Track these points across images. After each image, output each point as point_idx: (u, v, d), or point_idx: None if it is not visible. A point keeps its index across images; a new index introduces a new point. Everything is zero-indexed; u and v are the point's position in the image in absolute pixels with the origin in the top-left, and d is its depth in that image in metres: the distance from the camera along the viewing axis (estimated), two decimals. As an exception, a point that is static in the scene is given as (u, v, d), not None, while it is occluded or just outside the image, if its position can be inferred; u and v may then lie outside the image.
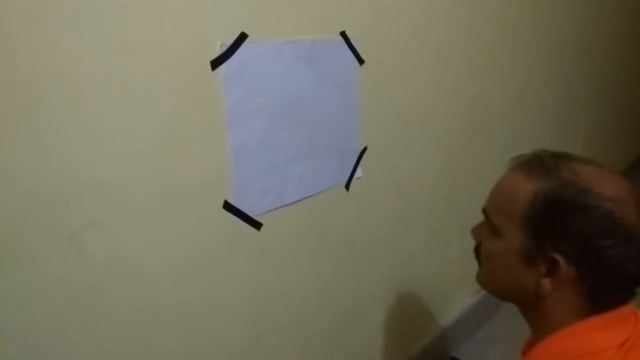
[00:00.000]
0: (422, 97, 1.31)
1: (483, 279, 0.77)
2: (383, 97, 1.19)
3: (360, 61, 1.10)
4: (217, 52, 0.82)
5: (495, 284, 0.75)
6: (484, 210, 0.76)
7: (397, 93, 1.22)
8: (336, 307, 1.18)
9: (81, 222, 0.69)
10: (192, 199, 0.83)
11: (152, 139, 0.76)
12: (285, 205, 1.00)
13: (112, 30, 0.68)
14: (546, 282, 0.66)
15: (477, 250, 0.77)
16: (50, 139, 0.65)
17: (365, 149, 1.17)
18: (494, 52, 1.58)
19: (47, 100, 0.64)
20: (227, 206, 0.88)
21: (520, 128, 1.88)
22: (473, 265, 0.81)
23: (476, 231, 0.78)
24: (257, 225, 0.94)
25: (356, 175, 1.16)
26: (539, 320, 0.71)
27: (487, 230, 0.74)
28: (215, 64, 0.82)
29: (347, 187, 1.14)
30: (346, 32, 1.05)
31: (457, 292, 1.65)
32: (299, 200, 1.02)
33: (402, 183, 1.33)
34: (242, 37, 0.85)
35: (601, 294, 0.65)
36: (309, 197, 1.05)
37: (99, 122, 0.69)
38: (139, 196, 0.75)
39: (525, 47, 1.77)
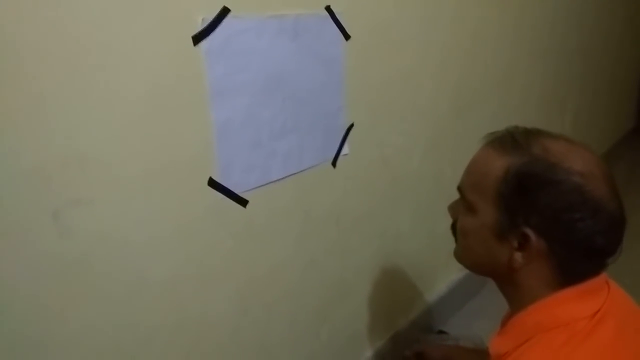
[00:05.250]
0: (408, 72, 1.31)
1: (460, 255, 0.79)
2: (369, 73, 1.18)
3: (346, 36, 1.09)
4: (198, 27, 0.81)
5: (471, 259, 0.77)
6: (459, 188, 0.77)
7: (384, 69, 1.22)
8: (323, 282, 1.19)
9: (64, 198, 0.69)
10: (177, 176, 0.83)
11: (134, 115, 0.75)
12: (271, 182, 1.00)
13: (92, 4, 0.67)
14: (518, 256, 0.68)
15: (454, 227, 0.79)
16: (30, 115, 0.64)
17: (351, 125, 1.17)
18: (480, 28, 1.57)
19: (26, 75, 0.63)
20: (212, 183, 0.88)
21: (507, 104, 1.88)
22: (460, 241, 0.81)
23: (452, 208, 0.79)
24: (242, 202, 0.95)
25: (343, 152, 1.16)
26: (514, 293, 0.72)
27: (462, 207, 0.75)
28: (197, 39, 0.81)
29: (333, 163, 1.14)
30: (331, 7, 1.04)
31: (444, 267, 1.67)
32: (285, 177, 1.03)
33: (389, 159, 1.33)
34: (224, 11, 0.84)
35: (572, 266, 0.66)
36: (295, 174, 1.05)
37: (79, 98, 0.68)
38: (121, 172, 0.75)
39: (512, 22, 1.76)
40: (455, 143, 1.59)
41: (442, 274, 1.70)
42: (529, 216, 0.65)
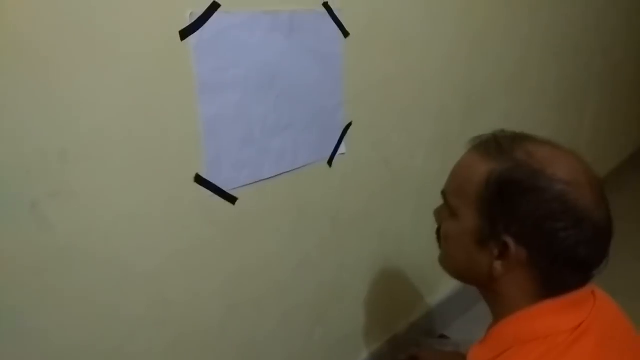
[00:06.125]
0: (412, 69, 1.28)
1: (442, 261, 0.77)
2: (369, 70, 1.16)
3: (345, 33, 1.07)
4: (186, 21, 0.80)
5: (453, 266, 0.75)
6: (443, 192, 0.75)
7: (385, 66, 1.20)
8: (317, 281, 1.18)
9: (42, 191, 0.69)
10: (161, 171, 0.82)
11: (118, 109, 0.75)
12: (263, 180, 0.99)
13: (73, -3, 0.67)
14: (498, 265, 0.65)
15: (439, 232, 0.77)
16: (8, 107, 0.64)
17: (350, 124, 1.15)
18: (490, 24, 1.53)
19: (6, 68, 0.63)
20: (199, 179, 0.88)
21: (520, 104, 1.83)
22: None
23: (438, 213, 0.78)
24: (231, 199, 0.94)
25: (340, 151, 1.14)
26: (495, 302, 0.70)
27: (446, 212, 0.73)
28: (185, 34, 0.80)
29: (329, 162, 1.13)
30: (329, 3, 1.02)
31: (448, 270, 1.64)
32: (277, 175, 1.02)
33: (390, 158, 1.31)
34: (214, 6, 0.83)
35: (554, 278, 0.64)
36: (289, 172, 1.04)
37: (60, 91, 0.68)
38: (104, 166, 0.75)
39: (524, 20, 1.71)
40: (463, 142, 1.55)
41: (446, 277, 1.65)
42: (510, 224, 0.63)
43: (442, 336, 1.63)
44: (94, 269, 0.78)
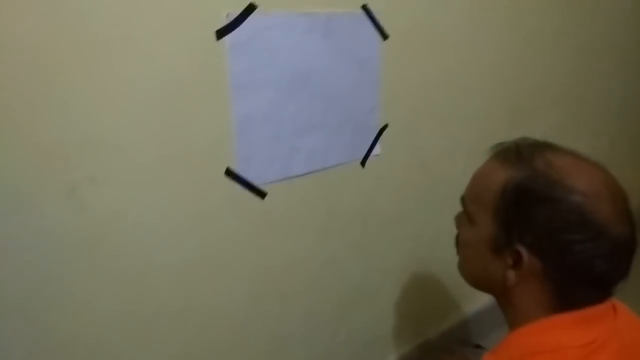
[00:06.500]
0: (454, 75, 1.26)
1: (459, 267, 0.76)
2: (408, 73, 1.16)
3: (384, 36, 1.08)
4: (223, 21, 0.84)
5: (468, 273, 0.74)
6: (462, 198, 0.74)
7: (425, 70, 1.19)
8: (344, 281, 1.19)
9: (80, 176, 0.75)
10: (193, 164, 0.86)
11: (154, 103, 0.80)
12: (293, 177, 1.01)
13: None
14: (511, 274, 0.64)
15: (458, 238, 0.76)
16: (51, 97, 0.70)
17: (385, 126, 1.15)
18: (539, 32, 1.48)
19: (51, 60, 0.69)
20: (229, 173, 0.91)
21: (575, 114, 1.76)
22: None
23: (457, 219, 0.77)
24: (261, 194, 0.97)
25: (374, 152, 1.15)
26: (509, 312, 0.69)
27: (464, 218, 0.73)
28: (221, 33, 0.84)
29: (362, 163, 1.14)
30: (369, 6, 1.03)
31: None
32: (308, 173, 1.04)
33: (427, 162, 1.30)
34: (251, 7, 0.87)
35: (568, 291, 0.62)
36: (319, 170, 1.05)
37: (99, 84, 0.74)
38: (138, 156, 0.80)
39: (579, 26, 1.64)
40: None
41: (484, 287, 1.63)
42: (524, 233, 0.62)
43: (478, 346, 1.59)
44: (120, 255, 0.83)
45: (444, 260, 1.44)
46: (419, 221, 1.33)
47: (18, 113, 0.68)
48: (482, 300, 1.63)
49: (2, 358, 0.74)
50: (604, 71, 1.84)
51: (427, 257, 1.40)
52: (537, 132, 1.55)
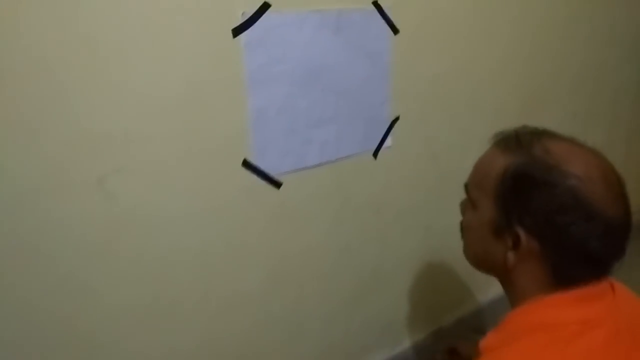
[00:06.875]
0: (465, 68, 1.29)
1: (464, 251, 0.80)
2: (419, 66, 1.19)
3: (395, 30, 1.11)
4: (238, 20, 0.88)
5: (472, 256, 0.78)
6: (465, 185, 0.78)
7: (435, 62, 1.22)
8: (358, 268, 1.24)
9: (107, 167, 0.81)
10: (212, 155, 0.92)
11: (175, 98, 0.85)
12: (307, 168, 1.06)
13: None
14: (511, 255, 0.68)
15: (462, 223, 0.80)
16: (80, 93, 0.76)
17: (397, 118, 1.19)
18: (551, 23, 1.49)
19: (83, 60, 0.75)
20: (246, 164, 0.96)
21: (591, 105, 1.76)
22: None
23: (462, 205, 0.80)
24: (276, 184, 1.02)
25: (386, 144, 1.19)
26: (510, 292, 0.72)
27: (468, 204, 0.76)
28: (237, 31, 0.89)
29: (375, 154, 1.18)
30: (379, 2, 1.07)
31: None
32: (321, 164, 1.08)
33: (439, 154, 1.33)
34: (265, 6, 0.91)
35: (565, 270, 0.65)
36: (332, 161, 1.10)
37: (127, 80, 0.79)
38: (161, 148, 0.85)
39: (600, 11, 1.64)
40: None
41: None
42: (523, 216, 0.65)
43: (492, 335, 1.62)
44: (145, 240, 0.89)
45: (456, 249, 1.47)
46: (431, 211, 1.37)
47: (50, 107, 0.74)
48: (496, 290, 1.64)
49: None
50: (619, 60, 1.84)
51: (439, 246, 1.43)
52: (550, 123, 1.56)
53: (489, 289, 1.63)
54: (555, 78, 1.58)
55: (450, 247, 1.45)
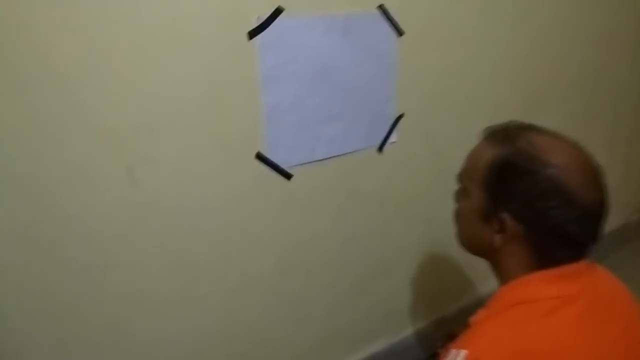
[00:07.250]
0: (467, 67, 1.35)
1: (457, 236, 0.87)
2: (423, 66, 1.26)
3: (399, 32, 1.18)
4: (253, 24, 0.96)
5: (464, 240, 0.85)
6: (458, 175, 0.85)
7: (439, 62, 1.29)
8: (363, 257, 1.31)
9: (135, 157, 0.89)
10: (229, 148, 1.00)
11: (195, 96, 0.93)
12: (315, 161, 1.14)
13: (163, 2, 0.85)
14: (498, 238, 0.75)
15: (455, 211, 0.87)
16: (110, 94, 0.84)
17: (401, 115, 1.26)
18: (553, 17, 1.55)
19: (112, 59, 0.83)
20: (260, 157, 1.04)
21: (591, 105, 1.82)
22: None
23: (455, 195, 0.87)
24: (287, 175, 1.10)
25: (390, 139, 1.26)
26: (497, 272, 0.80)
27: (461, 193, 0.84)
28: (252, 34, 0.97)
29: (380, 149, 1.25)
30: (385, 5, 1.14)
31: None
32: (329, 158, 1.16)
33: (442, 150, 1.40)
34: (278, 11, 0.99)
35: (547, 251, 0.72)
36: (339, 155, 1.17)
37: (152, 79, 0.87)
38: (182, 140, 0.94)
39: (601, 12, 1.70)
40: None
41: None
42: (508, 202, 0.72)
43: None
44: (171, 222, 0.97)
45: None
46: (433, 204, 1.43)
47: (85, 100, 0.82)
48: (496, 281, 1.72)
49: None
50: (620, 61, 1.89)
51: (441, 238, 1.50)
52: (551, 122, 1.63)
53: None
54: (556, 77, 1.64)
55: (451, 238, 1.51)
